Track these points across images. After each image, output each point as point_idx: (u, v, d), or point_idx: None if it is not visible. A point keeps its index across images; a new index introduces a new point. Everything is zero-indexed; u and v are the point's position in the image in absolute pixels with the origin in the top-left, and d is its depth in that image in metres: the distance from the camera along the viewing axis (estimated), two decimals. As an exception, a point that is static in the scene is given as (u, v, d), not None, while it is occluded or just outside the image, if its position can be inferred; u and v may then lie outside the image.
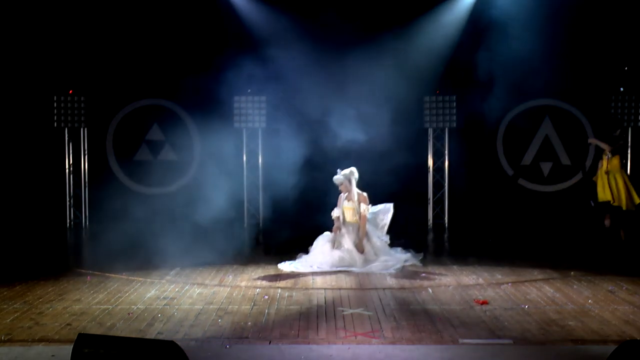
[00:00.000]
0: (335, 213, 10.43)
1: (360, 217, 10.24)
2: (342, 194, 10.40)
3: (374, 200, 10.52)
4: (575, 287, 8.77)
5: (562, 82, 14.75)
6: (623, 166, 12.05)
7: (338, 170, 10.35)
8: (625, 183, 11.58)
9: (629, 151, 15.32)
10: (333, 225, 10.47)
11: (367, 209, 10.25)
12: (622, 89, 14.99)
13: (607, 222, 11.84)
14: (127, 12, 14.68)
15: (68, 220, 15.39)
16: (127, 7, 14.66)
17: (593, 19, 14.69)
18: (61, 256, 12.05)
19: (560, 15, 14.33)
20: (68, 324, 7.04)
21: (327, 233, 10.42)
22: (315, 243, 10.35)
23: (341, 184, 10.29)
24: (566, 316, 7.30)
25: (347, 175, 10.30)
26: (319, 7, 14.68)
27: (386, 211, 10.51)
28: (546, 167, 15.73)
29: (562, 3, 14.39)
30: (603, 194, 11.60)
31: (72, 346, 3.82)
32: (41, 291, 8.58)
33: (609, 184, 11.53)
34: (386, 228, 10.49)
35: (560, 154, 15.67)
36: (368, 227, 10.32)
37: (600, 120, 15.33)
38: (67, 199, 15.38)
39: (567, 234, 13.74)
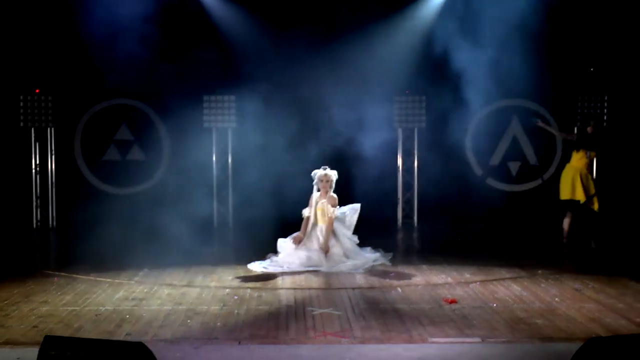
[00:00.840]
0: (306, 213, 10.42)
1: (327, 219, 10.23)
2: (314, 194, 10.39)
3: (344, 201, 10.54)
4: (542, 285, 8.86)
5: (530, 82, 14.86)
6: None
7: (326, 167, 10.34)
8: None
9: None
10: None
11: (335, 211, 10.26)
12: (588, 90, 15.17)
13: (567, 224, 11.62)
14: (94, 10, 14.52)
15: (35, 221, 15.20)
16: (97, 5, 14.50)
17: (560, 20, 14.85)
18: (28, 257, 11.92)
19: (528, 16, 14.45)
20: (34, 326, 6.96)
21: (295, 233, 10.42)
22: (282, 243, 10.33)
23: (328, 181, 10.27)
24: (533, 314, 7.37)
25: (335, 176, 10.33)
26: (286, 7, 14.69)
27: (354, 211, 10.52)
28: (514, 167, 15.87)
29: (531, 4, 14.52)
30: (571, 192, 11.47)
31: (38, 349, 3.78)
32: (7, 293, 8.47)
33: (581, 182, 11.42)
34: (353, 227, 10.49)
35: (528, 154, 15.81)
36: (338, 226, 10.31)
37: (568, 120, 15.50)
38: (34, 200, 15.20)
39: (535, 233, 13.86)
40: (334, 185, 10.34)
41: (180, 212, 14.25)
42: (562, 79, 15.28)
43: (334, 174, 10.34)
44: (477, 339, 6.48)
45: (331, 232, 10.21)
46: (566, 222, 11.65)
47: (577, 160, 11.59)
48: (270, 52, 14.42)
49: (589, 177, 11.62)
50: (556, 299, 8.11)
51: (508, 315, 7.32)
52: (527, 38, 14.45)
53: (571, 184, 11.45)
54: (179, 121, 14.85)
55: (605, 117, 15.29)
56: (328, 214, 10.19)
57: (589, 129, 11.63)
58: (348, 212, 10.51)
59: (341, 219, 10.43)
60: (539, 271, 9.73)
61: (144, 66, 14.88)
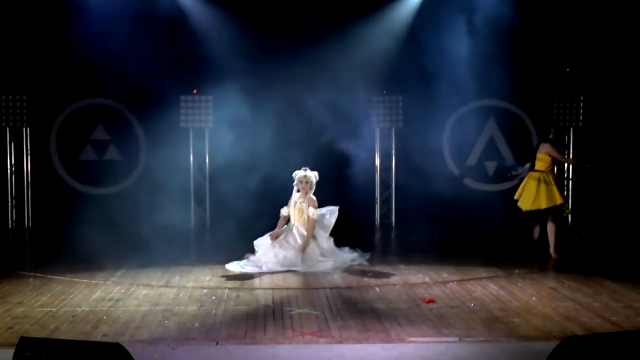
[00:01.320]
0: (284, 212, 10.42)
1: (308, 220, 10.24)
2: (294, 194, 10.39)
3: (322, 201, 10.54)
4: (519, 285, 8.92)
5: (506, 83, 14.95)
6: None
7: (306, 169, 10.33)
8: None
9: (570, 151, 15.64)
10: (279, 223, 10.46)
11: (316, 213, 10.26)
12: (563, 90, 15.29)
13: (537, 233, 11.21)
14: (67, 9, 14.43)
15: (10, 222, 15.08)
16: (68, 4, 14.41)
17: (536, 21, 14.96)
18: (3, 258, 11.79)
19: (504, 17, 14.55)
20: (10, 327, 6.89)
21: (271, 232, 10.41)
22: (260, 243, 10.31)
23: (308, 182, 10.27)
24: (510, 313, 7.41)
25: (316, 177, 10.33)
26: (264, 7, 14.67)
27: (332, 213, 10.52)
28: (491, 166, 15.96)
29: (506, 5, 14.62)
30: (535, 201, 10.82)
31: (13, 350, 3.75)
32: (-18, 294, 8.40)
33: (543, 190, 10.81)
34: (330, 228, 10.49)
35: (505, 153, 15.91)
36: (315, 227, 10.32)
37: (543, 121, 15.61)
38: (9, 200, 15.07)
39: (511, 232, 13.93)
40: (314, 186, 10.34)
41: (157, 212, 14.22)
42: (538, 78, 15.39)
43: (313, 176, 10.35)
44: (455, 339, 6.51)
45: (312, 233, 10.21)
46: (536, 232, 11.23)
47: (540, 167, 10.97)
48: (248, 51, 14.40)
49: (553, 184, 10.90)
50: (533, 298, 8.17)
51: (485, 315, 7.36)
52: (503, 38, 14.56)
53: (535, 193, 10.81)
54: (156, 121, 14.79)
55: (581, 117, 15.41)
56: (309, 215, 10.19)
57: (550, 136, 11.27)
58: (327, 213, 10.52)
59: (319, 220, 10.43)
60: (516, 270, 9.79)
61: (120, 65, 14.79)
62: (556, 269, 10.09)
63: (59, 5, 14.41)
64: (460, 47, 14.52)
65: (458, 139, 15.82)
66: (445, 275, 9.56)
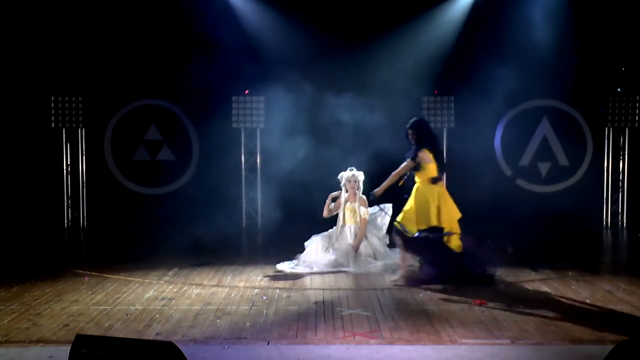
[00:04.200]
0: (333, 194, 10.39)
1: (360, 220, 10.23)
2: (343, 195, 10.39)
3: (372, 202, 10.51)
4: (573, 287, 8.78)
5: (560, 82, 14.76)
6: None
7: (348, 169, 10.33)
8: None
9: (625, 152, 15.33)
10: (331, 227, 10.45)
11: (367, 212, 10.25)
12: (619, 90, 15.01)
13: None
14: (125, 11, 14.68)
15: (66, 221, 15.36)
16: (125, 7, 14.66)
17: (591, 20, 14.71)
18: (59, 257, 12.02)
19: (559, 16, 14.35)
20: (66, 325, 7.03)
21: (324, 233, 10.42)
22: (310, 243, 10.33)
23: (356, 181, 10.28)
24: (564, 316, 7.29)
25: (361, 177, 10.34)
26: (316, 7, 14.70)
27: (384, 212, 10.50)
28: (544, 167, 15.74)
29: (561, 3, 14.41)
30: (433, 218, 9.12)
31: (69, 347, 3.81)
32: (39, 292, 8.57)
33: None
34: (385, 228, 10.48)
35: (558, 154, 15.68)
36: (368, 227, 10.32)
37: (598, 121, 15.35)
38: (65, 200, 15.36)
39: (564, 234, 13.74)
40: (361, 186, 10.34)
41: (209, 212, 14.36)
42: (592, 78, 15.12)
43: (360, 175, 10.34)
44: (507, 341, 6.44)
45: (364, 233, 10.21)
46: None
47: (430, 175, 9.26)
48: (299, 52, 14.44)
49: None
50: (587, 300, 8.03)
51: (538, 317, 7.26)
52: (558, 37, 14.35)
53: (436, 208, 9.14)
54: (208, 121, 14.95)
55: (637, 117, 15.10)
56: (361, 215, 10.19)
57: (412, 139, 9.32)
58: (378, 212, 10.50)
59: (371, 220, 10.42)
60: (569, 273, 9.63)
61: (173, 67, 15.00)
62: (611, 272, 9.90)
63: (113, 8, 14.65)
64: (513, 46, 14.36)
65: (511, 139, 15.64)
66: (497, 276, 9.44)
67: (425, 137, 9.20)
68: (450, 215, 9.14)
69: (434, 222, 8.99)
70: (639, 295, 8.29)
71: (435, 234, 8.97)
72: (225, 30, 14.80)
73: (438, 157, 9.24)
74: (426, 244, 8.98)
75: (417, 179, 9.22)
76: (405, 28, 14.75)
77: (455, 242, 9.06)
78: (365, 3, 14.69)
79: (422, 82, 14.81)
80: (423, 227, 8.98)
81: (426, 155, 9.12)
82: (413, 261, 9.45)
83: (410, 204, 9.14)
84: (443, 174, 9.41)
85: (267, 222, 15.19)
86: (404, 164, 9.20)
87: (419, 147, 9.13)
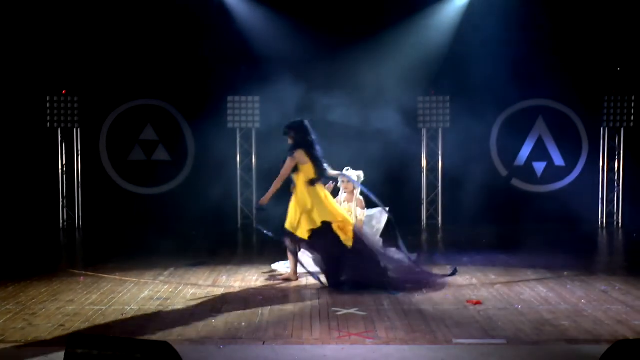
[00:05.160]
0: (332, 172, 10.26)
1: (356, 222, 10.20)
2: (341, 195, 10.37)
3: (369, 202, 10.49)
4: (568, 287, 8.79)
5: (555, 82, 14.78)
6: None
7: (345, 169, 10.31)
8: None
9: (621, 152, 15.36)
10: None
11: (364, 214, 10.24)
12: (614, 90, 15.02)
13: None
14: (120, 12, 14.67)
15: (61, 221, 15.34)
16: (119, 7, 14.64)
17: (587, 19, 14.73)
18: (54, 257, 12.02)
19: (554, 16, 14.37)
20: (61, 325, 7.02)
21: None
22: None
23: (349, 182, 10.24)
24: (559, 316, 7.31)
25: (359, 178, 10.28)
26: (312, 7, 14.70)
27: (381, 215, 10.48)
28: (540, 167, 15.76)
29: (556, 4, 14.43)
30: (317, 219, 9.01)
31: (65, 347, 3.81)
32: (34, 292, 8.56)
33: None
34: (380, 232, 10.45)
35: (554, 154, 15.70)
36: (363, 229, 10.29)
37: (593, 121, 15.37)
38: (61, 200, 15.33)
39: (560, 234, 13.77)
40: (357, 186, 10.28)
41: (205, 212, 14.35)
42: (588, 78, 15.14)
43: (354, 175, 10.27)
44: (502, 341, 6.45)
45: None
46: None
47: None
48: (294, 52, 14.43)
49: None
50: (582, 300, 8.04)
51: (533, 317, 7.27)
52: (553, 37, 14.37)
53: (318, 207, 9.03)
54: (204, 121, 14.94)
55: (632, 117, 15.13)
56: (357, 216, 10.16)
57: (289, 140, 9.24)
58: (375, 214, 10.47)
59: (367, 222, 10.40)
60: (565, 272, 9.65)
61: (169, 67, 15.00)
62: (606, 272, 9.92)
63: (108, 8, 14.63)
64: (508, 46, 14.37)
65: (506, 139, 15.64)
66: (492, 276, 9.47)
67: (302, 139, 9.11)
68: (327, 213, 9.00)
69: (318, 222, 8.90)
70: (634, 295, 8.31)
71: (321, 232, 8.89)
72: (220, 30, 14.82)
73: (315, 160, 9.09)
74: (317, 244, 8.93)
75: (296, 182, 9.09)
76: (401, 28, 14.75)
77: (344, 235, 8.95)
78: (361, 3, 14.69)
79: (418, 82, 14.82)
80: (312, 227, 8.89)
81: (302, 156, 9.03)
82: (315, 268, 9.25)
83: (292, 208, 9.04)
84: (321, 178, 9.21)
85: (262, 222, 15.18)
86: (285, 165, 9.07)
87: (295, 148, 9.05)
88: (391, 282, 8.79)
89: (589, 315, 7.37)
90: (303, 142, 9.08)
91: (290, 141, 9.18)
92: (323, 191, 9.14)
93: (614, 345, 3.95)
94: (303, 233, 8.89)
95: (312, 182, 9.02)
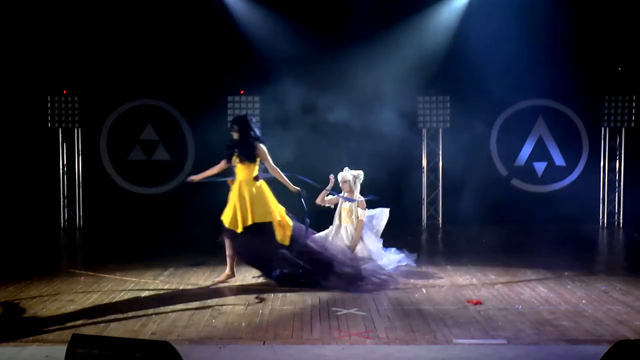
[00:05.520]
0: (332, 178, 10.23)
1: (357, 222, 10.20)
2: (343, 193, 10.37)
3: (370, 201, 10.48)
4: (569, 287, 8.79)
5: (555, 82, 14.77)
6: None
7: (346, 169, 10.31)
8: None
9: (622, 152, 15.36)
10: (329, 226, 10.41)
11: (364, 214, 10.23)
12: (615, 89, 15.01)
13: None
14: (120, 12, 14.67)
15: (62, 221, 15.34)
16: (120, 7, 14.64)
17: (587, 19, 14.72)
18: (55, 256, 12.02)
19: (555, 15, 14.36)
20: (62, 325, 7.02)
21: (320, 233, 10.38)
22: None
23: (346, 182, 10.24)
24: (560, 316, 7.31)
25: (355, 177, 10.26)
26: (312, 6, 14.70)
27: (381, 216, 10.47)
28: (540, 167, 15.76)
29: (557, 4, 14.42)
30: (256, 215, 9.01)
31: (66, 347, 3.82)
32: (35, 292, 8.57)
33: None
34: (380, 232, 10.44)
35: (554, 154, 15.70)
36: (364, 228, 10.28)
37: (594, 121, 15.37)
38: (61, 199, 15.33)
39: (560, 234, 13.76)
40: (357, 185, 10.26)
41: (205, 212, 14.33)
42: (588, 78, 15.14)
43: (350, 175, 10.25)
44: (503, 341, 6.45)
45: (360, 235, 10.18)
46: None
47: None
48: (294, 52, 14.43)
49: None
50: (583, 300, 8.04)
51: (534, 317, 7.27)
52: (553, 37, 14.36)
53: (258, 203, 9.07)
54: (204, 121, 14.93)
55: (633, 117, 15.13)
56: (358, 216, 10.16)
57: (234, 134, 9.27)
58: (375, 215, 10.46)
59: (367, 222, 10.38)
60: (565, 273, 9.65)
61: (169, 67, 15.00)
62: (606, 272, 9.92)
63: (109, 8, 14.64)
64: (508, 46, 14.37)
65: (506, 140, 15.64)
66: (492, 276, 9.47)
67: (247, 133, 9.16)
68: (268, 210, 9.03)
69: (257, 219, 8.91)
70: (635, 295, 8.31)
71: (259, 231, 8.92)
72: (220, 31, 14.83)
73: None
74: (253, 240, 8.94)
75: (239, 174, 9.09)
76: (401, 28, 14.73)
77: (280, 233, 8.99)
78: (362, 3, 14.67)
79: (417, 82, 14.81)
80: (250, 223, 8.90)
81: (262, 151, 9.10)
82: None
83: (232, 202, 9.05)
84: (263, 174, 9.25)
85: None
86: (266, 154, 9.10)
87: (252, 141, 9.08)
88: (338, 282, 8.79)
89: (590, 315, 7.37)
90: (249, 136, 9.10)
91: (235, 135, 9.21)
92: (266, 187, 9.19)
93: (615, 346, 3.95)
94: (238, 227, 8.87)
95: (256, 178, 9.10)
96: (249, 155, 9.05)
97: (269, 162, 9.14)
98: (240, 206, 8.91)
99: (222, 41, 14.90)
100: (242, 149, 9.09)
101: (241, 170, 9.08)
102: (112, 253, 11.72)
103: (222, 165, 9.30)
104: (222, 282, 9.15)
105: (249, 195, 8.96)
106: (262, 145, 9.12)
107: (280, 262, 8.98)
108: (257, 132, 9.22)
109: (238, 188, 9.01)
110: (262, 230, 8.91)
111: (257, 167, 9.10)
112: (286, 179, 9.29)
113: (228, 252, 9.19)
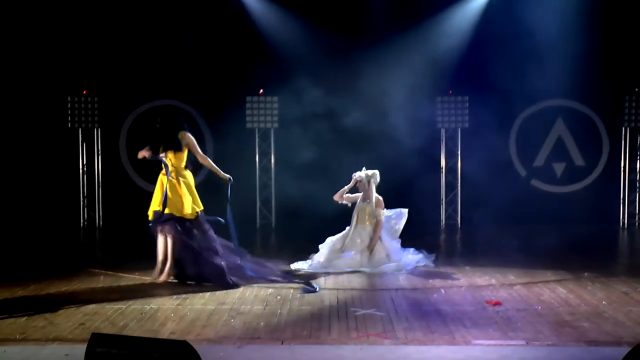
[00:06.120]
0: (356, 176, 10.30)
1: (376, 222, 10.20)
2: (360, 194, 10.38)
3: (388, 202, 10.48)
4: (588, 288, 8.73)
5: (575, 82, 14.68)
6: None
7: (363, 169, 10.32)
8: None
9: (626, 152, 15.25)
10: (346, 227, 10.42)
11: (383, 214, 10.22)
12: (636, 89, 14.90)
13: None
14: (139, 13, 14.74)
15: (82, 220, 15.44)
16: (139, 8, 14.72)
17: (606, 19, 14.63)
18: (75, 256, 12.09)
19: (574, 15, 14.27)
20: (81, 324, 7.07)
21: (337, 235, 10.39)
22: (325, 244, 10.32)
23: (360, 181, 10.26)
24: (579, 317, 7.26)
25: (369, 177, 10.26)
26: (331, 7, 14.70)
27: (400, 216, 10.46)
28: (559, 168, 15.67)
29: (576, 3, 14.33)
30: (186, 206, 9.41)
31: (85, 345, 3.84)
32: (55, 291, 8.63)
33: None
34: (399, 233, 10.44)
35: (574, 154, 15.61)
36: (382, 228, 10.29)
37: (614, 121, 15.26)
38: (81, 199, 15.43)
39: (579, 234, 13.66)
40: (373, 185, 10.25)
41: (223, 212, 14.35)
42: (608, 78, 15.03)
43: (364, 175, 10.26)
44: (522, 342, 6.42)
45: (379, 235, 10.19)
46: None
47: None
48: (312, 52, 14.46)
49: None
50: (603, 302, 7.99)
51: (553, 318, 7.23)
52: (572, 37, 14.27)
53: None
54: (222, 122, 14.98)
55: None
56: (377, 217, 10.16)
57: (158, 125, 9.33)
58: (394, 215, 10.46)
59: (385, 223, 10.38)
60: (585, 274, 9.58)
61: (188, 67, 15.05)
62: (627, 273, 9.84)
63: (129, 9, 14.71)
64: (527, 46, 14.31)
65: (525, 140, 15.58)
66: (512, 277, 9.42)
67: (178, 122, 9.33)
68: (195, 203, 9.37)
69: (186, 211, 9.28)
70: (655, 296, 8.25)
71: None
72: (239, 31, 14.86)
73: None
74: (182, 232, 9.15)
75: (171, 163, 9.31)
76: (420, 28, 14.71)
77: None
78: (380, 3, 14.66)
79: (436, 82, 14.79)
80: (179, 214, 9.25)
81: (190, 138, 9.20)
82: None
83: (158, 193, 9.39)
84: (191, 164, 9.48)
85: (281, 222, 15.23)
86: (194, 143, 9.32)
87: (177, 130, 9.23)
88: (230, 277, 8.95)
89: (610, 317, 7.32)
90: (176, 125, 9.27)
91: (161, 126, 9.35)
92: (192, 179, 9.51)
93: (636, 348, 3.92)
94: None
95: (186, 167, 9.37)
96: (175, 145, 9.21)
97: (197, 150, 9.32)
98: (169, 196, 9.14)
99: (241, 41, 14.94)
100: (166, 138, 9.28)
101: (175, 156, 9.32)
102: (131, 252, 11.77)
103: (146, 152, 9.58)
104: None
105: (179, 186, 9.34)
106: (189, 134, 9.25)
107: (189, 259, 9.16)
108: (183, 122, 9.37)
109: (170, 179, 9.29)
110: (191, 222, 9.27)
111: (185, 156, 9.33)
112: (216, 166, 9.56)
113: (160, 244, 9.32)
